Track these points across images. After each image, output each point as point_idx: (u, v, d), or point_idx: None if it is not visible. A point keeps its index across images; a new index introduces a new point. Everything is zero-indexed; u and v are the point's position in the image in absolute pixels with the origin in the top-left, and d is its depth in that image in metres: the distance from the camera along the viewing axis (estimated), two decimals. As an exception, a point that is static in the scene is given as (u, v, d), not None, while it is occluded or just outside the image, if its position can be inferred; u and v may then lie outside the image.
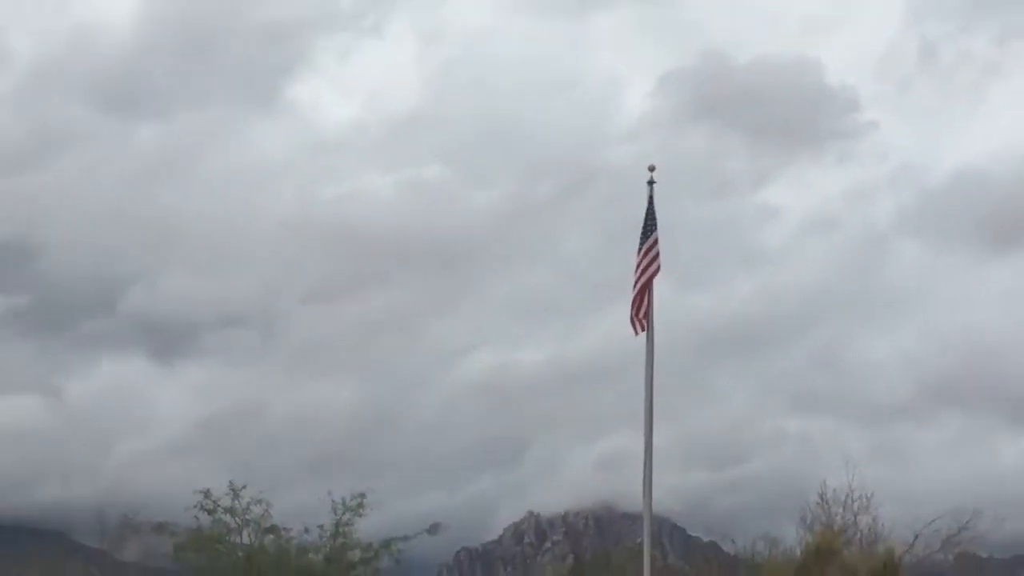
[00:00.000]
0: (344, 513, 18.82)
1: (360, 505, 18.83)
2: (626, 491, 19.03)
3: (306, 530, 18.93)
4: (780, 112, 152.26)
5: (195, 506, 18.56)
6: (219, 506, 18.64)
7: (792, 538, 13.53)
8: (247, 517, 18.70)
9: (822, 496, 13.42)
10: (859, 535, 12.95)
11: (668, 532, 42.63)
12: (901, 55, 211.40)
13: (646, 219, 14.16)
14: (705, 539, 39.72)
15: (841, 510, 13.00)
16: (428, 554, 26.71)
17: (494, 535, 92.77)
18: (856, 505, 12.92)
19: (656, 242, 14.12)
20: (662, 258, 14.19)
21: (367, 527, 19.09)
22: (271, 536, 18.77)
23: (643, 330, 14.48)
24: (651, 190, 14.32)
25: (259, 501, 18.78)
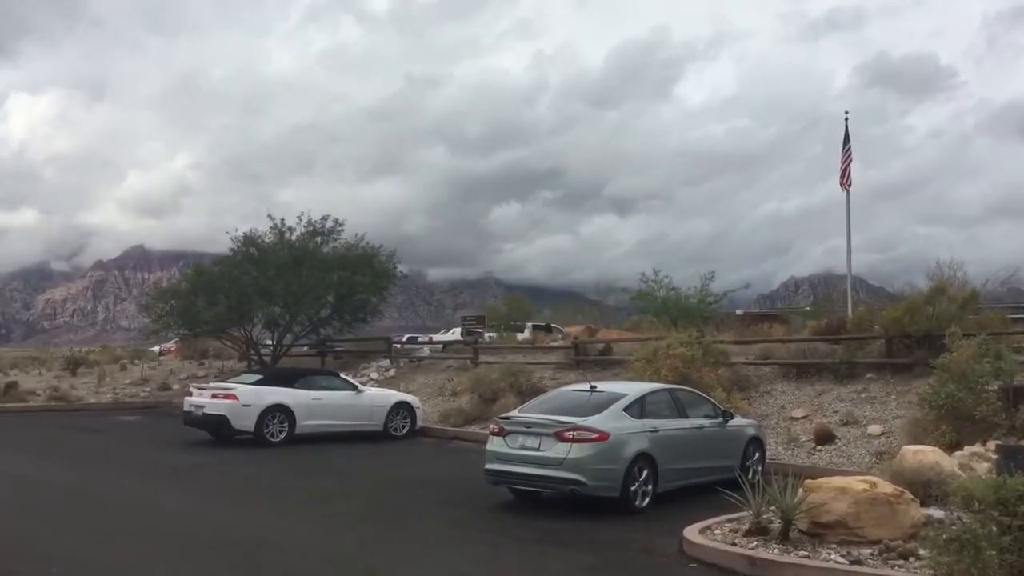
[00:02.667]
0: (704, 281, 29.81)
1: (711, 277, 29.82)
2: (838, 264, 36.16)
3: (689, 288, 29.95)
4: (916, 78, 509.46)
5: (639, 280, 30.07)
6: (649, 279, 29.72)
7: (922, 284, 19.81)
8: (661, 284, 29.70)
9: (938, 264, 19.97)
10: (957, 282, 18.96)
11: (859, 284, 58.08)
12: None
13: (845, 135, 26.33)
14: (876, 286, 67.29)
15: (948, 270, 19.46)
16: (745, 295, 46.01)
17: (774, 287, 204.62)
18: (955, 269, 19.51)
19: (849, 145, 26.74)
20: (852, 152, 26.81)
21: (714, 286, 30.18)
22: (673, 291, 29.44)
23: (846, 187, 25.09)
24: (846, 122, 25.23)
25: (667, 276, 29.76)
